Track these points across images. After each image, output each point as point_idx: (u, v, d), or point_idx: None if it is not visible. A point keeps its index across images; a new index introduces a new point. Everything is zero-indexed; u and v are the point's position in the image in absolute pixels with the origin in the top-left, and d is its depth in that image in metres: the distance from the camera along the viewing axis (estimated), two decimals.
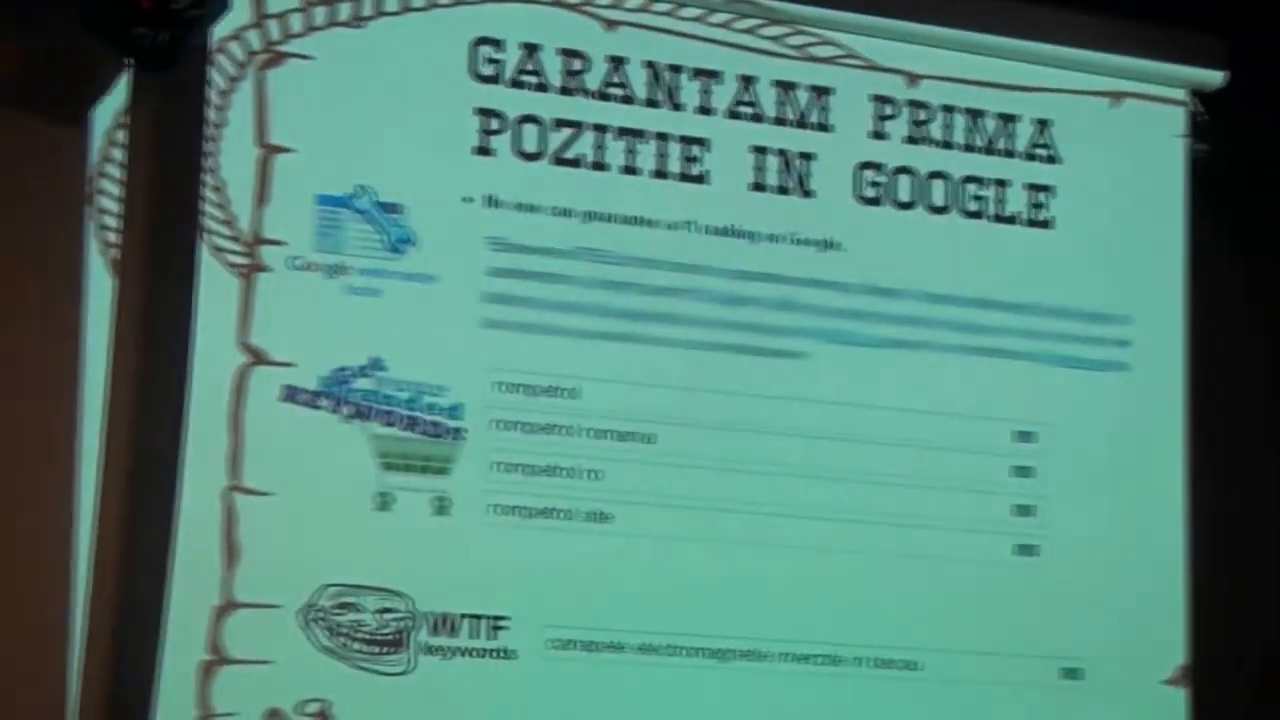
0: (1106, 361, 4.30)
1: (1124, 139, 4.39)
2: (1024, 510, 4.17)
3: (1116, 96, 4.37)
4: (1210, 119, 4.44)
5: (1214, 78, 4.44)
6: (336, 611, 3.62)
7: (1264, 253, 4.51)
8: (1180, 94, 4.43)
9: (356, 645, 3.62)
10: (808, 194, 4.11)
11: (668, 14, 4.03)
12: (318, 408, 3.67)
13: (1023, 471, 4.19)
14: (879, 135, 4.19)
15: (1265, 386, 4.48)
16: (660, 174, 4.00)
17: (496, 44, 3.89)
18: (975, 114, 4.26)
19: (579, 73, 3.96)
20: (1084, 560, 4.19)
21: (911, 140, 4.21)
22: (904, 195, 4.19)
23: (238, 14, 3.64)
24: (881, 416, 4.08)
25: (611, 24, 3.98)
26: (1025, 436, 4.20)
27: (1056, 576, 4.17)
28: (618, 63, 3.99)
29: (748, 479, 3.96)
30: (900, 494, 4.06)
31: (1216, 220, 4.43)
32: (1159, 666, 4.22)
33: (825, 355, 4.06)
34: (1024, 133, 4.30)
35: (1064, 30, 4.31)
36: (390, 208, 3.77)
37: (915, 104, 4.22)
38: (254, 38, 3.72)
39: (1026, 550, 4.15)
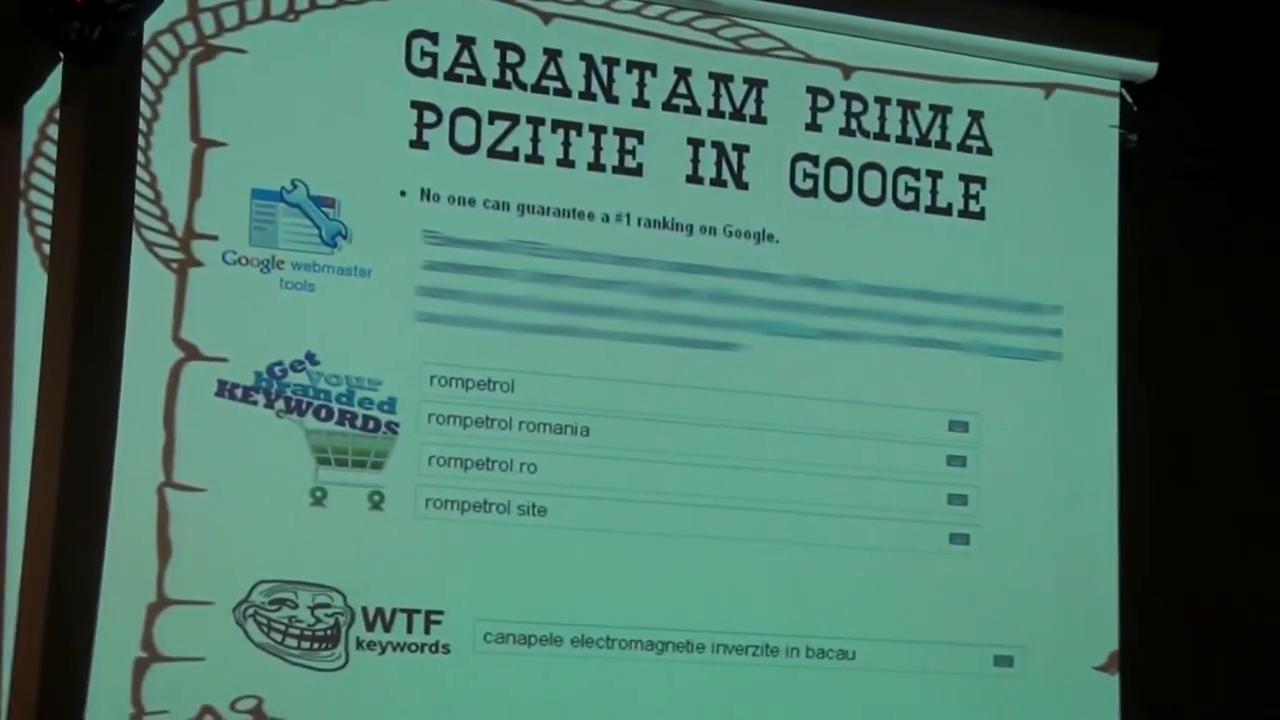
0: (1039, 351, 4.33)
1: (1056, 130, 4.41)
2: (958, 499, 4.19)
3: (1049, 88, 4.40)
4: (1142, 110, 4.46)
5: (1147, 69, 4.45)
6: (270, 608, 3.62)
7: (1194, 242, 4.55)
8: (1113, 85, 4.45)
9: (290, 641, 3.63)
10: (743, 186, 4.12)
11: (604, 6, 4.03)
12: (252, 403, 3.67)
13: (957, 461, 4.21)
14: (814, 127, 4.20)
15: (1194, 375, 4.51)
16: (596, 167, 4.01)
17: (432, 37, 3.89)
18: (909, 105, 4.28)
19: (515, 66, 3.96)
20: (1018, 549, 4.23)
21: (846, 132, 4.22)
22: (838, 187, 4.20)
23: (171, 7, 3.63)
24: (817, 407, 4.10)
25: (547, 17, 3.99)
26: (959, 426, 4.22)
27: (990, 565, 4.20)
28: (554, 56, 3.99)
29: (683, 471, 3.98)
30: (836, 484, 4.09)
31: (1147, 210, 4.45)
32: (1091, 653, 4.26)
33: (761, 347, 4.08)
34: (958, 124, 4.32)
35: (997, 22, 4.33)
36: (325, 201, 3.77)
37: (850, 96, 4.23)
38: (188, 31, 3.71)
39: (961, 539, 4.18)
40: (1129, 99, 4.46)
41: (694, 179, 4.08)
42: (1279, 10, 4.55)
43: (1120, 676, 4.27)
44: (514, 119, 3.95)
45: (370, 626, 3.70)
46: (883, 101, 4.25)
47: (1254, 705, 4.44)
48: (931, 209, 4.28)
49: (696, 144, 4.09)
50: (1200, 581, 4.40)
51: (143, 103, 3.63)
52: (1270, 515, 4.57)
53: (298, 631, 3.64)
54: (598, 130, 4.01)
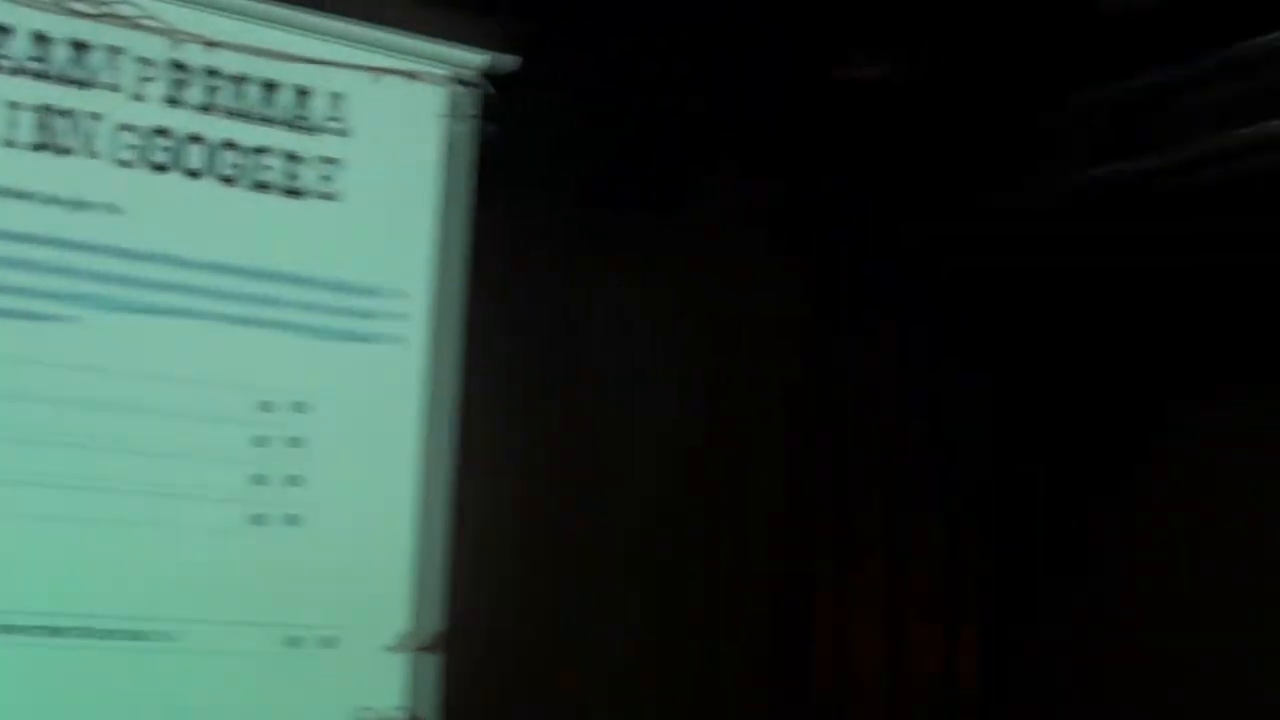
0: (381, 334, 4.41)
1: (418, 118, 4.50)
2: (281, 480, 4.25)
3: (411, 75, 4.47)
4: (504, 102, 4.56)
5: (508, 62, 4.57)
6: None
7: (539, 233, 4.70)
8: (471, 76, 4.54)
9: None
10: (90, 156, 4.07)
11: None
12: None
13: (283, 442, 4.26)
14: (172, 101, 4.18)
15: (546, 363, 4.69)
16: None
17: None
18: (269, 84, 4.30)
19: None
20: (330, 530, 4.29)
21: (204, 108, 4.21)
22: (194, 163, 4.20)
23: None
24: (143, 385, 4.09)
25: None
26: (289, 407, 4.27)
27: (300, 546, 4.26)
28: None
29: (9, 448, 3.91)
30: (149, 462, 4.07)
31: (499, 201, 4.57)
32: (384, 633, 4.35)
33: (97, 321, 4.04)
34: (318, 106, 4.37)
35: (363, 8, 4.37)
36: None
37: (211, 71, 4.21)
38: None
39: (269, 520, 4.22)
40: (491, 90, 4.56)
41: (39, 146, 4.01)
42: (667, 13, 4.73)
43: (413, 656, 4.38)
44: None
45: None
46: (241, 79, 4.25)
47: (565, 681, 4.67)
48: (280, 190, 4.31)
49: (40, 110, 4.01)
50: (495, 566, 4.51)
51: None
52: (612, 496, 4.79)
53: None
54: None
